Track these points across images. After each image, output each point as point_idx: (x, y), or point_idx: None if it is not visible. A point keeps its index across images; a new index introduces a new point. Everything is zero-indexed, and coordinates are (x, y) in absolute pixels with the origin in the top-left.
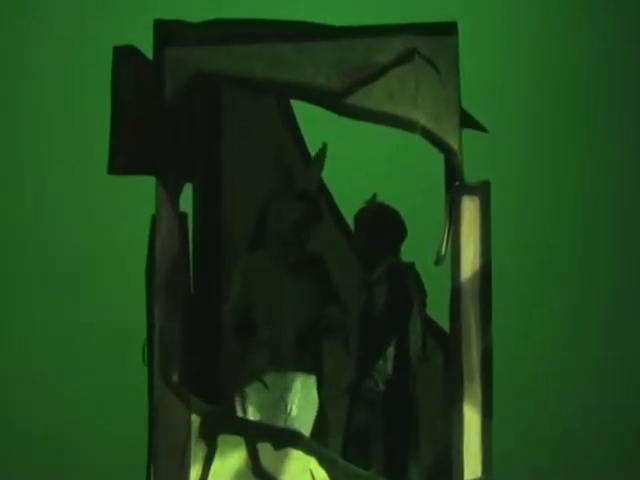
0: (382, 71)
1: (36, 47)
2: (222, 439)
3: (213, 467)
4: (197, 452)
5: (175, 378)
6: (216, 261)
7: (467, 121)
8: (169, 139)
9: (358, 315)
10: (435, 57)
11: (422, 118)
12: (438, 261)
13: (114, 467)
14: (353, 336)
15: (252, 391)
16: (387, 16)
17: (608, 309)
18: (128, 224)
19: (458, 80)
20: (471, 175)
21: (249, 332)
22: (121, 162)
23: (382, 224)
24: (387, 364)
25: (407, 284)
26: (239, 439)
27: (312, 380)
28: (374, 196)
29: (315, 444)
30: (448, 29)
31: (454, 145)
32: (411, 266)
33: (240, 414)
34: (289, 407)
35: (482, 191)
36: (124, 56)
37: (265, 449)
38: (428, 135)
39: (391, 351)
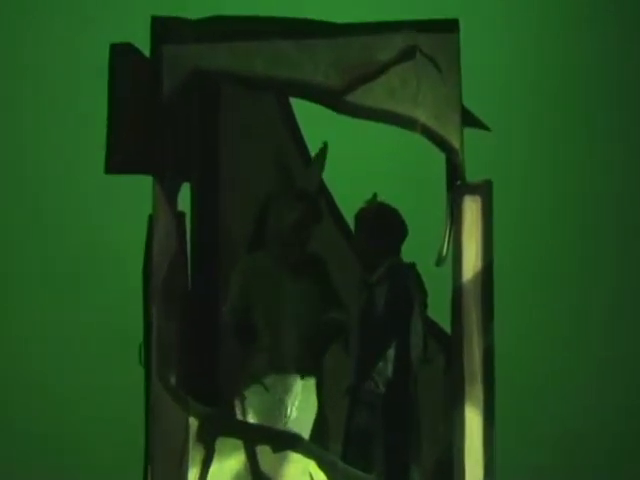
0: (383, 69)
1: (33, 45)
2: (220, 442)
3: (211, 470)
4: (195, 455)
5: (173, 380)
6: (214, 261)
7: (468, 119)
8: (167, 138)
9: (358, 316)
10: (436, 55)
11: (423, 116)
12: (439, 261)
13: (114, 467)
14: (353, 337)
15: (251, 393)
16: (388, 13)
17: (608, 309)
18: (127, 224)
19: (459, 78)
20: (471, 175)
21: (249, 338)
22: (118, 161)
23: (382, 224)
24: (387, 366)
25: (408, 284)
26: (238, 442)
27: (312, 382)
28: (374, 196)
29: (314, 447)
30: (450, 26)
31: (455, 144)
32: (412, 266)
33: (239, 417)
34: (289, 410)
35: (484, 190)
36: (121, 54)
37: (264, 452)
38: (429, 133)
39: (391, 352)
